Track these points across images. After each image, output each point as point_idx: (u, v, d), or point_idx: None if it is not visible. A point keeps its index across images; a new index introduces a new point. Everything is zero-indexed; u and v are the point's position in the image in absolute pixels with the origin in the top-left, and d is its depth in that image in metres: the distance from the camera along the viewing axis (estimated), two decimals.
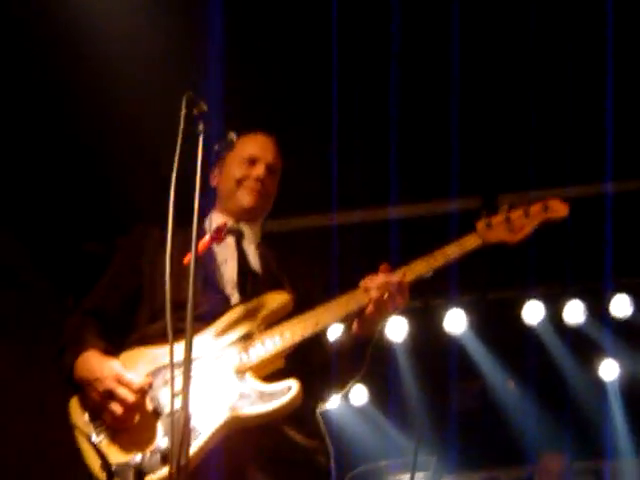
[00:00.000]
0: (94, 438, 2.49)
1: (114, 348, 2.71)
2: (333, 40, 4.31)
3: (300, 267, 3.02)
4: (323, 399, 2.84)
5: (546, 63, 4.76)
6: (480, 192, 5.58)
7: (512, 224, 2.82)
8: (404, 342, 6.82)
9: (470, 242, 2.80)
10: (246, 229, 2.97)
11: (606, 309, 6.49)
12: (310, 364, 2.78)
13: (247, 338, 2.61)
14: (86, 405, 2.57)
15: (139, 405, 2.48)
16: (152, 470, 2.37)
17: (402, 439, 7.31)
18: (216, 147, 2.58)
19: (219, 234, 2.69)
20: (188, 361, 2.08)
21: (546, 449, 6.48)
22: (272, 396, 2.48)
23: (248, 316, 2.66)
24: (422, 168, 5.50)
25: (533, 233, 2.83)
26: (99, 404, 2.50)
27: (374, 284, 2.64)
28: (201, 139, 2.40)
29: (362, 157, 5.16)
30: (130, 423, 2.48)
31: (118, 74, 4.59)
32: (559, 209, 2.85)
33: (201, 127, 2.41)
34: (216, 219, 2.94)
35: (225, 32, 4.26)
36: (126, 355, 2.66)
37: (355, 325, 2.72)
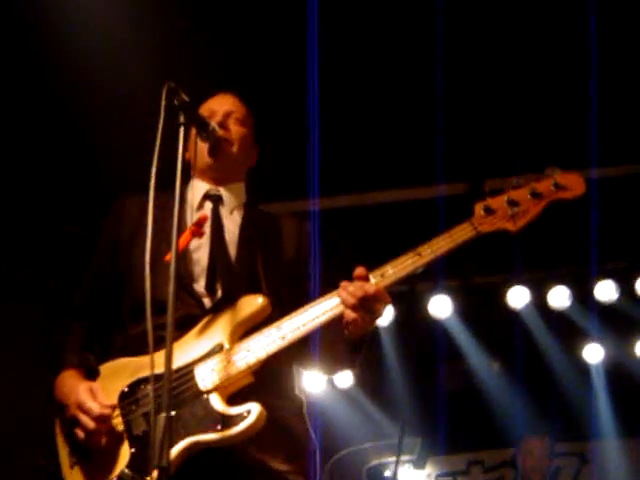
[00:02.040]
0: (70, 460, 2.48)
1: (102, 351, 2.68)
2: (314, 16, 4.23)
3: (287, 232, 2.84)
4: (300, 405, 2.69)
5: (531, 47, 4.73)
6: (466, 178, 5.58)
7: (516, 207, 2.48)
8: (389, 326, 6.83)
9: (462, 233, 2.49)
10: (225, 193, 2.83)
11: (591, 294, 6.50)
12: (287, 375, 2.69)
13: (217, 352, 2.45)
14: (62, 426, 2.56)
15: (102, 431, 2.43)
16: None
17: (387, 422, 7.34)
18: (199, 139, 2.56)
19: (200, 228, 2.54)
20: (169, 374, 2.05)
21: (528, 432, 6.51)
22: (231, 420, 2.34)
23: (221, 324, 2.50)
24: (408, 153, 5.47)
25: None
26: (68, 429, 2.49)
27: (350, 300, 2.40)
28: (182, 130, 2.36)
29: (347, 142, 5.14)
30: (99, 446, 2.44)
31: (101, 56, 4.54)
32: (574, 186, 2.50)
33: (182, 118, 2.38)
34: (198, 187, 2.81)
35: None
36: (107, 367, 2.61)
37: (344, 329, 2.52)
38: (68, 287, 5.95)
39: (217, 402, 2.38)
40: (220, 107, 2.87)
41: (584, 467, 7.66)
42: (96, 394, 2.46)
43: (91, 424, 2.41)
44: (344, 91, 4.81)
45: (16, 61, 4.72)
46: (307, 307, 2.48)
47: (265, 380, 2.50)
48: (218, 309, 2.55)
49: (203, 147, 2.75)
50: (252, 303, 2.52)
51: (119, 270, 2.75)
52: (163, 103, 2.33)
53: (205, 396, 2.39)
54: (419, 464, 7.53)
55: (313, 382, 6.93)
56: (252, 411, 2.34)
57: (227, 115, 2.85)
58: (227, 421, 2.34)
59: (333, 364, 2.71)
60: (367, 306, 2.40)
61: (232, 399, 2.41)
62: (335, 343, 2.58)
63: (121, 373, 2.54)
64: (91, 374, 2.60)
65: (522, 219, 2.48)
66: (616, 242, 6.08)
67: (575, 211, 5.44)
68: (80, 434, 2.43)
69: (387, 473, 7.57)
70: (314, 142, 4.66)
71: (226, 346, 2.45)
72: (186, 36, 4.58)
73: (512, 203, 2.49)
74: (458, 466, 7.92)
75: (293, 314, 2.48)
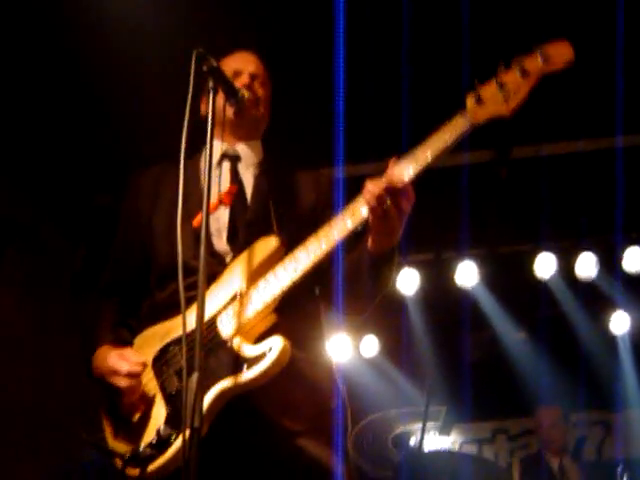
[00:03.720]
0: (112, 430, 2.53)
1: (135, 325, 2.71)
2: None
3: (303, 184, 2.83)
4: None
5: (557, 15, 4.68)
6: (492, 145, 5.54)
7: (506, 90, 2.36)
8: (415, 294, 6.85)
9: (457, 126, 2.37)
10: (243, 150, 2.84)
11: (618, 262, 6.47)
12: (313, 313, 2.67)
13: (236, 298, 2.45)
14: (103, 399, 2.60)
15: (134, 389, 2.48)
16: (156, 455, 2.38)
17: (412, 390, 7.38)
18: (228, 104, 2.55)
19: (229, 197, 2.58)
20: (200, 328, 2.08)
21: (549, 402, 6.53)
22: (255, 360, 2.34)
23: (238, 272, 2.50)
24: (433, 121, 5.45)
25: (530, 97, 2.35)
26: (106, 397, 2.54)
27: (373, 192, 2.31)
28: (211, 96, 2.39)
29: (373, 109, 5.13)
30: (135, 409, 2.49)
31: (125, 24, 4.56)
32: (561, 53, 2.36)
33: (211, 83, 2.40)
34: (216, 146, 2.70)
35: None
36: (139, 339, 2.65)
37: (369, 240, 2.44)
38: (97, 258, 6.04)
39: (240, 346, 2.40)
40: (245, 67, 2.88)
41: (609, 436, 7.69)
42: (126, 356, 2.51)
43: (122, 382, 2.46)
44: (370, 56, 4.79)
45: (45, 34, 4.75)
46: (318, 233, 2.45)
47: (288, 323, 2.47)
48: (236, 260, 2.56)
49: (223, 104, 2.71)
50: (266, 246, 2.51)
51: (143, 241, 2.77)
52: (192, 69, 2.35)
53: (229, 343, 2.41)
54: (444, 431, 7.57)
55: (338, 350, 6.98)
56: (274, 347, 2.35)
57: (253, 77, 2.85)
58: (252, 361, 2.35)
59: (361, 290, 2.57)
60: (393, 200, 2.31)
61: (259, 341, 2.41)
62: (360, 263, 2.50)
63: (151, 341, 2.59)
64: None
65: (514, 100, 2.37)
66: None
67: (602, 179, 5.46)
68: (117, 397, 2.49)
69: (412, 440, 7.62)
70: (339, 109, 4.66)
71: (243, 291, 2.45)
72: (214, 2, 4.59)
73: (502, 86, 2.38)
74: (483, 434, 7.97)
75: (307, 242, 2.45)
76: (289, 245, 2.49)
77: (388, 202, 2.31)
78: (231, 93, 2.54)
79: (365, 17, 4.58)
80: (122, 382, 2.47)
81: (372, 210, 2.34)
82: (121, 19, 4.53)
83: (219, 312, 2.47)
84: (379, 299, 2.62)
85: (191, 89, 2.34)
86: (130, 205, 2.88)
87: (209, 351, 2.40)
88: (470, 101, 2.40)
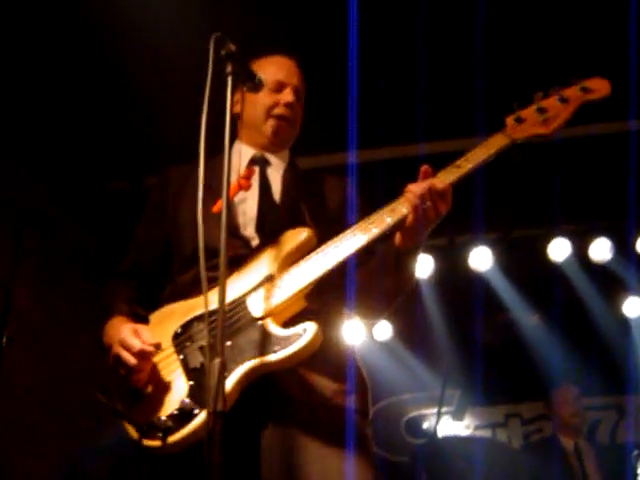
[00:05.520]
0: (125, 400, 2.52)
1: (150, 305, 2.72)
2: None
3: (329, 187, 2.89)
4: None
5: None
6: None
7: (546, 113, 2.58)
8: (429, 279, 6.85)
9: (497, 142, 2.57)
10: (272, 157, 2.89)
11: (632, 246, 6.45)
12: (339, 301, 2.70)
13: (267, 282, 2.51)
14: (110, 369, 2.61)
15: (143, 368, 2.48)
16: (178, 427, 2.38)
17: (426, 374, 7.39)
18: (244, 88, 2.53)
19: (247, 181, 2.61)
20: (222, 308, 2.09)
21: (555, 387, 6.54)
22: (288, 340, 2.40)
23: (269, 258, 2.55)
24: (449, 106, 5.44)
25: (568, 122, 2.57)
26: (112, 368, 2.53)
27: (416, 192, 2.45)
28: (230, 80, 2.38)
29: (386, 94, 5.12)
30: (156, 383, 2.50)
31: (146, 13, 4.55)
32: (600, 87, 2.60)
33: (229, 68, 2.39)
34: (245, 152, 2.86)
35: None
36: (156, 315, 2.67)
37: (397, 237, 2.55)
38: (111, 244, 6.05)
39: (272, 326, 2.45)
40: (290, 80, 2.91)
41: (622, 420, 7.68)
42: (140, 333, 2.51)
43: (132, 360, 2.46)
44: (383, 40, 4.78)
45: (62, 21, 4.74)
46: (350, 230, 2.52)
47: (319, 306, 2.55)
48: (264, 247, 2.61)
49: (260, 102, 2.82)
50: (297, 236, 2.58)
51: (167, 233, 2.81)
52: (211, 54, 2.34)
53: (260, 322, 2.46)
54: (458, 416, 7.58)
55: (353, 333, 7.00)
56: (308, 329, 2.41)
57: (296, 91, 2.89)
58: (284, 341, 2.41)
59: (386, 285, 2.66)
60: (434, 201, 2.45)
61: (287, 325, 2.47)
62: (385, 258, 2.60)
63: (172, 317, 2.60)
64: (140, 322, 2.64)
65: (554, 122, 2.58)
66: None
67: (614, 163, 5.44)
68: (122, 371, 2.49)
69: (426, 424, 7.65)
70: (353, 94, 4.65)
71: (275, 275, 2.51)
72: None
73: (542, 110, 2.59)
74: (496, 418, 7.97)
75: (342, 235, 2.52)
76: (319, 238, 2.56)
77: (428, 203, 2.44)
78: (248, 77, 2.52)
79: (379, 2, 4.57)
80: (131, 360, 2.47)
81: (414, 208, 2.46)
82: (139, 8, 4.53)
83: (249, 292, 2.51)
84: (401, 297, 2.69)
85: (210, 74, 2.33)
86: (158, 197, 2.91)
87: (238, 329, 2.45)
88: (510, 121, 2.60)
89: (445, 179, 2.50)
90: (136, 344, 2.47)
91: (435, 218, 2.48)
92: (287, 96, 2.86)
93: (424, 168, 2.52)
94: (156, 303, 2.74)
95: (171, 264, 2.78)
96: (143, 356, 2.47)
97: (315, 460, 2.41)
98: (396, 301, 2.71)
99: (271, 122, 2.85)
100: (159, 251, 2.83)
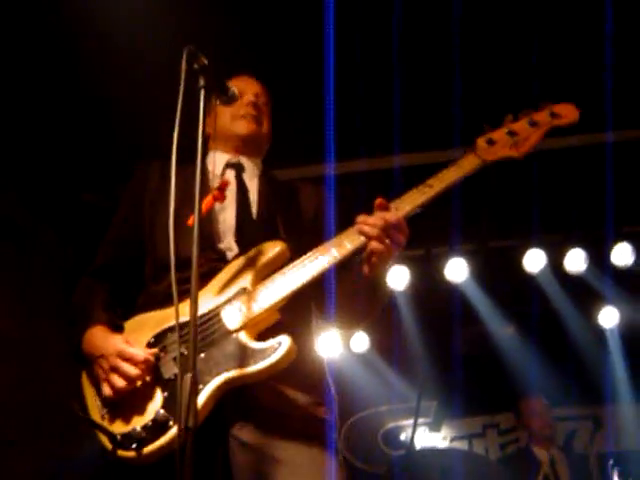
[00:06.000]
0: (101, 411, 2.52)
1: (123, 312, 2.72)
2: None
3: (304, 196, 2.94)
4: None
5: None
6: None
7: (516, 136, 2.62)
8: (405, 290, 6.85)
9: (468, 162, 2.59)
10: (246, 162, 2.95)
11: (607, 258, 6.49)
12: (308, 313, 2.75)
13: (241, 294, 2.52)
14: (92, 379, 2.59)
15: (143, 376, 2.49)
16: (152, 439, 2.39)
17: (403, 385, 7.39)
18: (217, 102, 2.57)
19: (222, 192, 2.62)
20: (194, 321, 2.08)
21: (537, 395, 6.56)
22: (264, 353, 2.41)
23: (244, 270, 2.57)
24: (425, 118, 5.46)
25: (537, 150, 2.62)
26: (103, 379, 2.52)
27: (370, 229, 2.46)
28: (202, 94, 2.38)
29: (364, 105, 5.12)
30: (132, 394, 2.49)
31: (117, 21, 4.53)
32: (568, 113, 2.65)
33: (202, 82, 2.39)
34: (219, 157, 2.93)
35: None
36: (131, 323, 2.66)
37: (364, 266, 2.56)
38: (87, 255, 6.00)
39: (247, 339, 2.47)
40: (249, 89, 3.01)
41: (599, 431, 7.71)
42: (133, 344, 2.52)
43: (134, 371, 2.46)
44: (360, 52, 4.78)
45: (33, 26, 4.71)
46: (326, 245, 2.54)
47: (290, 319, 2.56)
48: (239, 259, 2.62)
49: (226, 113, 2.90)
50: (272, 249, 2.60)
51: (142, 232, 2.81)
52: (183, 67, 2.34)
53: (234, 335, 2.47)
54: (435, 427, 7.59)
55: (329, 346, 6.98)
56: (283, 343, 2.42)
57: (257, 96, 3.00)
58: (260, 354, 2.42)
59: (354, 309, 2.73)
60: (389, 235, 2.45)
61: (260, 338, 2.48)
62: (356, 283, 2.62)
63: (145, 326, 2.60)
64: (117, 331, 2.65)
65: (524, 145, 2.63)
66: (632, 205, 6.06)
67: (591, 174, 5.47)
68: (119, 382, 2.47)
69: (403, 436, 7.64)
70: (330, 106, 4.65)
71: (249, 288, 2.53)
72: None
73: (512, 133, 2.63)
74: (474, 429, 7.99)
75: (317, 250, 2.54)
76: (293, 251, 2.58)
77: (387, 241, 2.45)
78: (222, 90, 2.55)
79: (356, 12, 4.58)
80: (132, 370, 2.46)
81: (370, 246, 2.48)
82: (113, 14, 4.51)
83: (223, 304, 2.52)
84: (376, 314, 2.74)
85: (182, 87, 2.32)
86: (134, 193, 2.91)
87: (213, 341, 2.47)
88: (481, 142, 2.63)
89: (416, 199, 2.53)
90: (139, 353, 2.48)
91: (396, 249, 2.49)
92: (248, 97, 2.97)
93: (378, 201, 2.51)
94: (128, 307, 2.75)
95: (144, 264, 2.79)
96: (147, 366, 2.48)
97: (289, 473, 2.42)
98: (370, 317, 2.75)
99: (239, 122, 2.96)
100: (133, 252, 2.83)
